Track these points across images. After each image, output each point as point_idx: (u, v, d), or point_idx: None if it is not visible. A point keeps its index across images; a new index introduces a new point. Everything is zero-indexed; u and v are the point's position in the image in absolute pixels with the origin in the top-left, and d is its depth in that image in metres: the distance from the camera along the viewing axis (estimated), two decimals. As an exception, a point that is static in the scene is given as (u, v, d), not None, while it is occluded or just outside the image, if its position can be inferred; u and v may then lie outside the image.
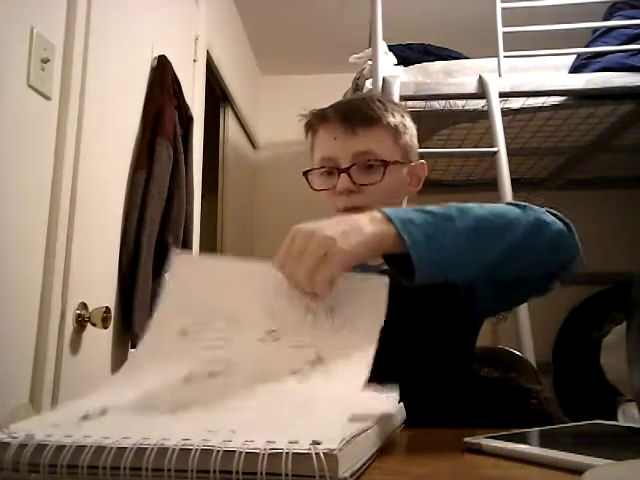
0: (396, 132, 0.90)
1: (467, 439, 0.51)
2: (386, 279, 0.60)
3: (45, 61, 1.11)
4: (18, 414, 0.56)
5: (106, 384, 0.55)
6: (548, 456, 0.45)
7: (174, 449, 0.39)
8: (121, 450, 0.39)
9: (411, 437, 0.61)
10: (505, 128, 1.99)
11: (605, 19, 2.29)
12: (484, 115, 2.04)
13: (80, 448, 0.40)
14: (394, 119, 0.90)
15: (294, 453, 0.37)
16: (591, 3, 2.30)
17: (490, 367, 0.98)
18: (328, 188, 0.88)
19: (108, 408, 0.48)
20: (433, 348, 0.85)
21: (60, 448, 0.41)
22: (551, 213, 0.75)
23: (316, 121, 0.92)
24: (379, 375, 0.84)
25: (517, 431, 0.54)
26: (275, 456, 0.37)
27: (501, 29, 2.08)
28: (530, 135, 2.45)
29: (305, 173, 0.93)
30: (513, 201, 0.75)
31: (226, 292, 0.63)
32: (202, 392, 0.51)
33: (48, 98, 1.13)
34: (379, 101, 0.92)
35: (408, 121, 0.94)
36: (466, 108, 2.13)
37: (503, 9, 2.10)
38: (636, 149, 2.61)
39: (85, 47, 1.25)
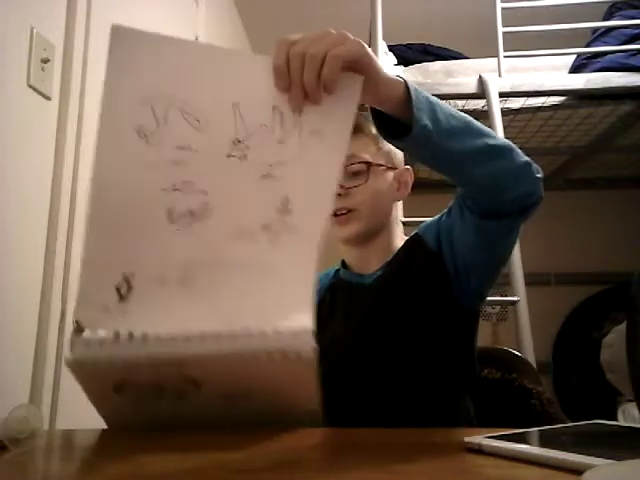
0: (378, 138, 0.93)
1: (467, 439, 0.51)
2: (360, 76, 0.63)
3: (45, 61, 1.11)
4: (18, 414, 0.55)
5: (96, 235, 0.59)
6: (548, 456, 0.45)
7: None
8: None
9: (411, 437, 0.61)
10: (505, 128, 1.99)
11: (605, 19, 2.29)
12: (484, 115, 2.04)
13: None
14: (372, 129, 0.94)
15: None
16: (591, 3, 2.30)
17: (492, 368, 0.99)
18: None
19: (131, 278, 0.55)
20: (425, 344, 0.85)
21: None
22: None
23: None
24: (371, 372, 0.85)
25: (517, 431, 0.54)
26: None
27: (501, 29, 2.08)
28: (530, 135, 2.45)
29: None
30: None
31: (182, 77, 0.59)
32: (192, 251, 0.56)
33: (48, 98, 1.13)
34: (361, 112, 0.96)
35: None
36: (466, 108, 2.13)
37: (503, 9, 2.10)
38: (636, 149, 2.61)
39: (85, 47, 1.24)
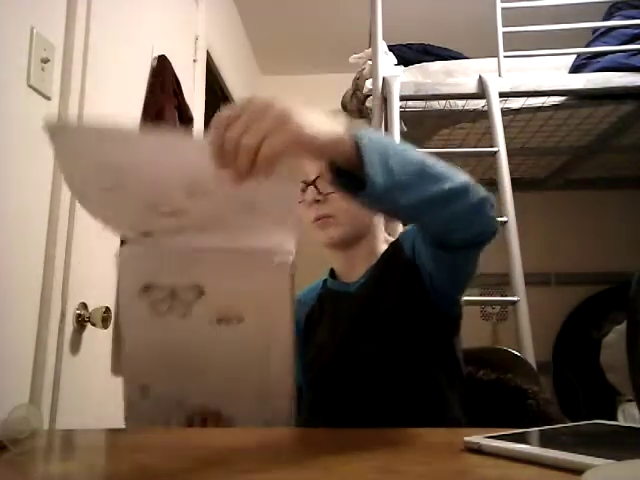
0: None
1: (467, 439, 0.51)
2: (296, 185, 0.67)
3: (45, 61, 1.11)
4: (18, 414, 0.55)
5: None
6: (548, 456, 0.45)
7: None
8: None
9: (411, 437, 0.61)
10: (505, 128, 1.99)
11: (605, 19, 2.29)
12: (484, 115, 2.04)
13: None
14: None
15: None
16: (591, 3, 2.30)
17: (487, 369, 0.98)
18: (301, 201, 0.94)
19: None
20: (407, 350, 0.85)
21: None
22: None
23: None
24: (356, 380, 0.86)
25: (517, 431, 0.54)
26: None
27: (501, 29, 2.08)
28: (530, 135, 2.45)
29: None
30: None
31: (129, 168, 0.62)
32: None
33: (48, 98, 1.13)
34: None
35: None
36: (466, 108, 2.13)
37: (503, 9, 2.10)
38: (636, 149, 2.61)
39: (85, 47, 1.25)
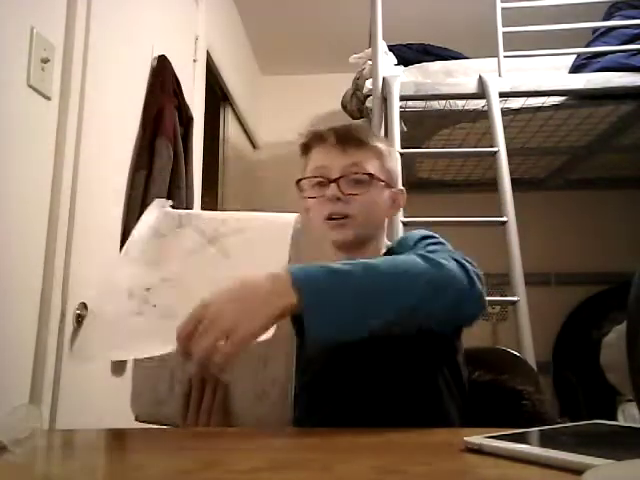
0: (382, 156, 0.98)
1: (467, 439, 0.51)
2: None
3: (45, 61, 1.11)
4: (18, 414, 0.55)
5: None
6: (548, 456, 0.45)
7: None
8: None
9: (411, 437, 0.61)
10: (505, 128, 1.99)
11: (605, 19, 2.29)
12: (484, 115, 2.04)
13: None
14: (381, 145, 0.99)
15: None
16: (591, 3, 2.30)
17: (483, 370, 0.98)
18: (317, 196, 0.95)
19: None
20: (400, 352, 0.84)
21: None
22: (458, 261, 0.75)
23: (313, 140, 1.00)
24: (347, 381, 0.85)
25: (517, 431, 0.54)
26: None
27: (501, 29, 2.08)
28: (530, 135, 2.45)
29: (298, 181, 1.00)
30: (423, 253, 0.75)
31: None
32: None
33: (48, 98, 1.13)
34: (368, 130, 1.00)
35: (393, 151, 1.04)
36: (466, 108, 2.13)
37: (503, 9, 2.10)
38: (636, 149, 2.61)
39: (85, 47, 1.25)
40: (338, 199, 0.93)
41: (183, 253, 0.76)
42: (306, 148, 1.02)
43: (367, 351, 0.84)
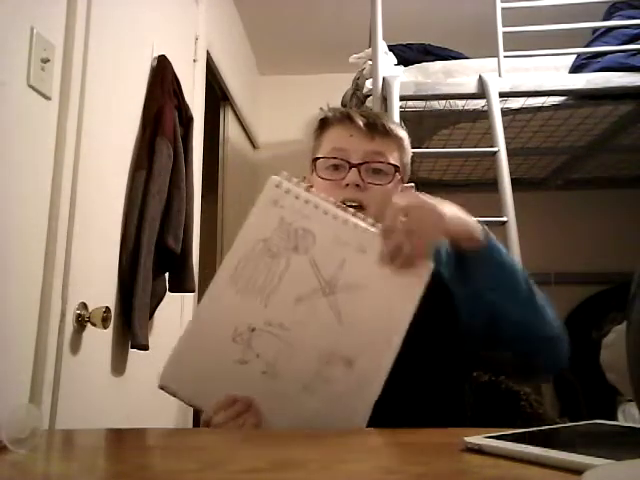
0: (402, 148, 0.96)
1: (467, 439, 0.51)
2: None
3: (45, 61, 1.10)
4: (18, 414, 0.55)
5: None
6: (548, 456, 0.45)
7: None
8: None
9: (411, 437, 0.61)
10: (505, 128, 1.99)
11: (605, 19, 2.29)
12: (484, 115, 2.04)
13: None
14: (403, 137, 0.97)
15: None
16: (591, 3, 2.30)
17: (480, 371, 0.98)
18: (334, 179, 0.91)
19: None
20: (422, 356, 0.84)
21: None
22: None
23: (336, 118, 0.96)
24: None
25: (517, 431, 0.54)
26: None
27: (501, 29, 2.08)
28: (530, 135, 2.45)
29: (314, 160, 0.95)
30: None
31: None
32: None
33: (48, 98, 1.13)
34: (393, 119, 0.99)
35: (409, 144, 1.00)
36: (466, 108, 2.13)
37: (503, 9, 2.10)
38: (636, 149, 2.61)
39: (85, 47, 1.25)
40: (357, 186, 0.89)
41: (293, 294, 0.68)
42: (325, 124, 0.97)
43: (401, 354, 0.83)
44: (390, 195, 0.92)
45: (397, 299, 0.69)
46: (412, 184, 0.99)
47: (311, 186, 0.97)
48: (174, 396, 0.67)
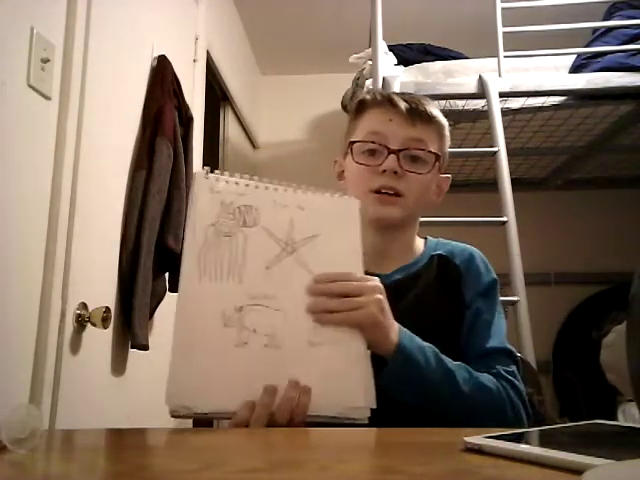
0: (443, 137, 0.92)
1: (467, 439, 0.51)
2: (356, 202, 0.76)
3: (45, 61, 1.10)
4: (18, 414, 0.55)
5: None
6: (548, 456, 0.45)
7: None
8: None
9: (411, 437, 0.61)
10: (505, 128, 1.99)
11: (605, 19, 2.29)
12: (484, 115, 2.04)
13: None
14: (445, 125, 0.93)
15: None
16: (591, 3, 2.30)
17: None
18: (370, 165, 0.87)
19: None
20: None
21: None
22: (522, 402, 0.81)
23: (376, 101, 0.91)
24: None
25: (517, 431, 0.54)
26: None
27: (501, 29, 2.08)
28: (530, 135, 2.45)
29: (351, 143, 0.91)
30: (516, 398, 0.81)
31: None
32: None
33: (48, 98, 1.13)
34: (435, 104, 0.94)
35: (449, 133, 0.96)
36: (466, 108, 2.13)
37: (503, 9, 2.10)
38: (636, 149, 2.61)
39: (85, 47, 1.25)
40: (395, 173, 0.85)
41: (261, 263, 0.69)
42: (363, 107, 0.93)
43: None
44: (428, 184, 0.89)
45: (344, 227, 0.74)
46: (449, 175, 0.96)
47: (343, 171, 0.95)
48: (190, 416, 0.64)
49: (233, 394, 0.65)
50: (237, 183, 0.72)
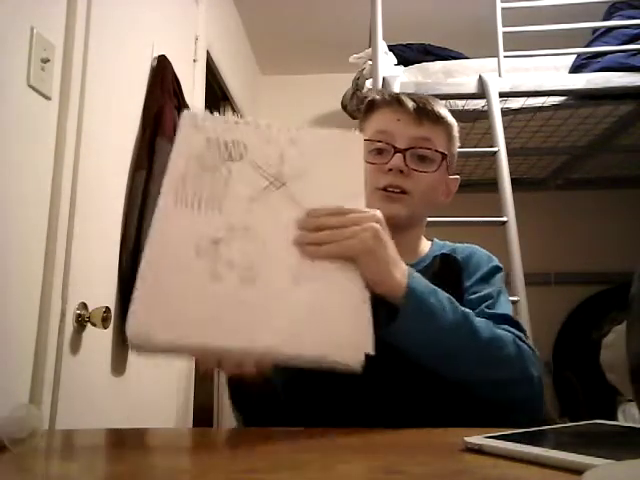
0: (451, 137, 0.92)
1: (467, 439, 0.51)
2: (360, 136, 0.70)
3: (45, 61, 1.11)
4: (18, 414, 0.56)
5: None
6: (548, 456, 0.45)
7: None
8: None
9: (411, 437, 0.61)
10: (505, 128, 1.99)
11: (605, 19, 2.29)
12: (484, 115, 2.04)
13: None
14: (453, 125, 0.93)
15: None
16: (591, 3, 2.30)
17: None
18: (376, 163, 0.88)
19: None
20: None
21: None
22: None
23: (385, 101, 0.92)
24: (382, 375, 0.83)
25: (517, 431, 0.54)
26: None
27: (501, 29, 2.08)
28: (530, 135, 2.45)
29: None
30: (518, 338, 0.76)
31: None
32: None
33: (48, 98, 1.13)
34: (442, 105, 0.94)
35: (457, 133, 0.95)
36: (466, 108, 2.13)
37: (503, 9, 2.10)
38: (636, 149, 2.61)
39: (85, 47, 1.25)
40: (401, 171, 0.85)
41: (244, 196, 0.63)
42: (372, 107, 0.93)
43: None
44: (435, 184, 0.89)
45: (344, 164, 0.68)
46: (458, 177, 0.95)
47: None
48: (150, 350, 0.59)
49: (200, 331, 0.57)
50: (226, 121, 0.68)
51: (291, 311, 0.59)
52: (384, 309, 0.67)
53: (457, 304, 0.72)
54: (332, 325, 0.60)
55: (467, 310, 0.72)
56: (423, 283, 0.70)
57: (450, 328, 0.69)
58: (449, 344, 0.70)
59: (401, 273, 0.68)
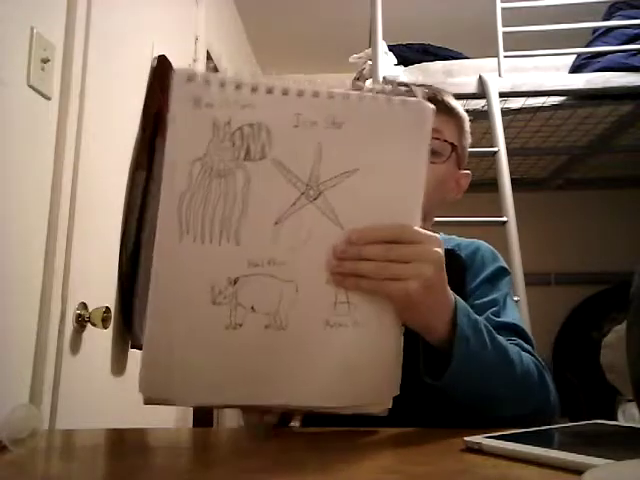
0: (462, 130, 0.90)
1: (467, 439, 0.51)
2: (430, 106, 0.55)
3: (45, 61, 1.10)
4: (18, 414, 0.55)
5: None
6: (548, 456, 0.45)
7: None
8: None
9: (411, 437, 0.61)
10: (505, 128, 1.99)
11: (605, 19, 2.29)
12: (484, 115, 2.04)
13: None
14: (465, 118, 0.90)
15: None
16: (591, 3, 2.30)
17: None
18: None
19: None
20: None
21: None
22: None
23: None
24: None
25: (517, 431, 0.54)
26: None
27: (501, 29, 2.08)
28: (530, 135, 2.45)
29: None
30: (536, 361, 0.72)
31: None
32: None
33: (48, 98, 1.13)
34: (453, 97, 0.92)
35: (469, 127, 0.93)
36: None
37: (503, 9, 2.10)
38: (636, 149, 2.61)
39: (85, 47, 1.24)
40: None
41: (268, 216, 0.49)
42: None
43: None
44: (444, 177, 0.85)
45: (403, 155, 0.52)
46: (469, 172, 0.92)
47: None
48: (167, 404, 0.53)
49: (222, 388, 0.51)
50: (239, 87, 0.48)
51: (319, 361, 0.52)
52: (422, 353, 0.62)
53: (493, 333, 0.66)
54: (363, 378, 0.54)
55: (500, 339, 0.67)
56: (468, 323, 0.61)
57: (491, 368, 0.64)
58: (489, 384, 0.65)
59: (446, 319, 0.59)
